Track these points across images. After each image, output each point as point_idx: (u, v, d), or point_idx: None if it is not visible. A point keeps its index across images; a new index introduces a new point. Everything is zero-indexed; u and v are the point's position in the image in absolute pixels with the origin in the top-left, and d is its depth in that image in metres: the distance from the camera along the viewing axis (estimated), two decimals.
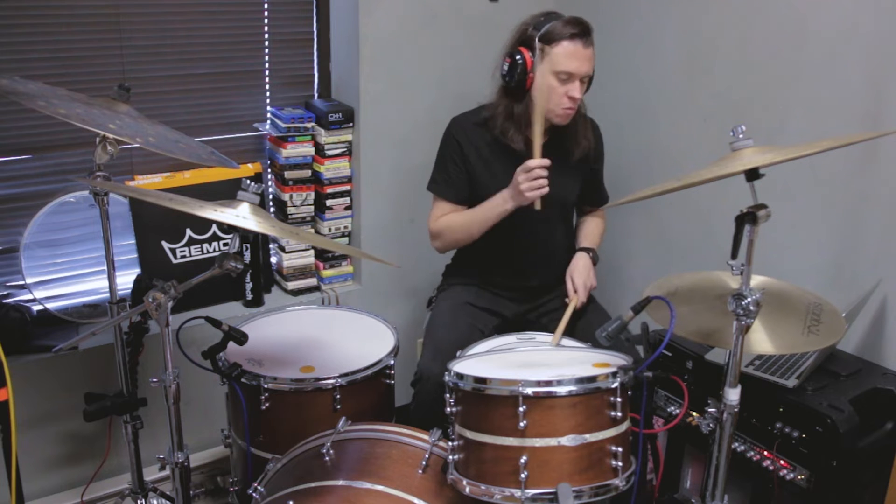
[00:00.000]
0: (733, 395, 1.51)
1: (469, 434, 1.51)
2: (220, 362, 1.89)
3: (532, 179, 1.99)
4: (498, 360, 1.77)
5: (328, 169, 2.58)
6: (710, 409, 1.54)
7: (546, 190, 2.00)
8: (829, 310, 1.64)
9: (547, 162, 2.00)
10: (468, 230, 2.18)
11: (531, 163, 1.99)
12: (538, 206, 2.03)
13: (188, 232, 2.43)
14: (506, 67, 2.09)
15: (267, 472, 1.74)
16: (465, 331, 2.13)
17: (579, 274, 2.16)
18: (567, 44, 2.02)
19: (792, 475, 1.78)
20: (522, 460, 1.43)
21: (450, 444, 1.56)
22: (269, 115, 2.59)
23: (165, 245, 2.40)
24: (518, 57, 2.05)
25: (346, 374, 1.88)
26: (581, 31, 2.03)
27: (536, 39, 2.04)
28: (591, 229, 2.36)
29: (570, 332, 2.09)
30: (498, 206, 2.09)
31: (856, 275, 2.04)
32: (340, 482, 1.55)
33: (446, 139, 2.23)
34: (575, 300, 2.12)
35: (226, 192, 2.37)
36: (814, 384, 1.83)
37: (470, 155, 2.19)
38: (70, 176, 2.26)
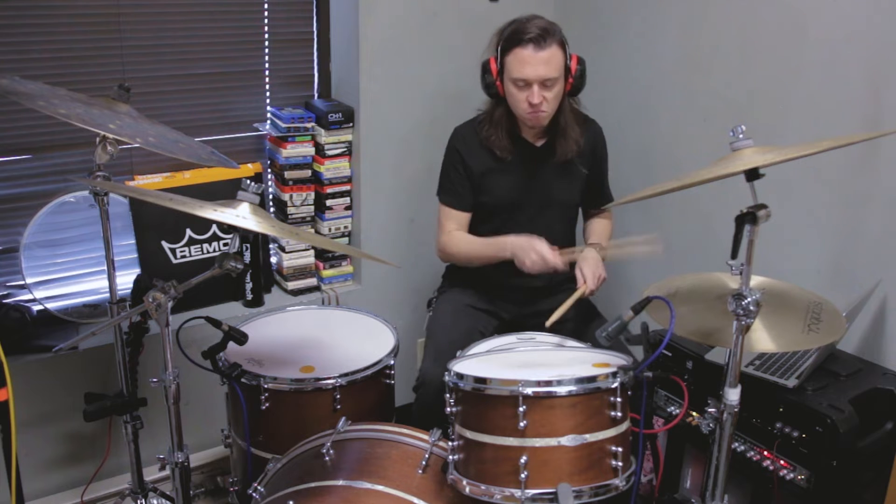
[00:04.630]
0: (733, 395, 1.51)
1: (469, 434, 1.51)
2: (220, 362, 1.89)
3: (539, 262, 2.01)
4: (498, 360, 1.77)
5: (328, 169, 2.58)
6: (710, 409, 1.54)
7: (538, 271, 2.03)
8: (830, 309, 1.64)
9: (562, 268, 2.04)
10: (468, 258, 2.23)
11: (552, 261, 2.00)
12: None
13: (188, 232, 2.43)
14: (480, 77, 2.13)
15: (267, 472, 1.74)
16: (466, 333, 2.14)
17: (588, 265, 2.14)
18: (518, 50, 2.02)
19: (792, 475, 1.78)
20: (522, 460, 1.43)
21: (450, 444, 1.56)
22: (269, 115, 2.59)
23: (165, 245, 2.40)
24: (488, 66, 2.10)
25: (346, 374, 1.88)
26: (535, 35, 2.00)
27: (499, 48, 2.06)
28: (598, 229, 2.36)
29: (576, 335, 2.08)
30: (499, 250, 2.12)
31: (856, 275, 2.04)
32: (340, 482, 1.55)
33: (448, 149, 2.25)
34: (584, 288, 2.11)
35: (226, 192, 2.37)
36: (814, 384, 1.83)
37: (471, 163, 2.20)
38: (70, 176, 2.26)
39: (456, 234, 2.23)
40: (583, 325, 2.19)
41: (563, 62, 2.06)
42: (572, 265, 2.14)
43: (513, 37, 2.03)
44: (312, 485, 1.57)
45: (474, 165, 2.20)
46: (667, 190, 1.54)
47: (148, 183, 2.35)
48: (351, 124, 2.57)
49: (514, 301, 2.29)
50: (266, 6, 2.49)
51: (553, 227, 2.24)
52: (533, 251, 2.02)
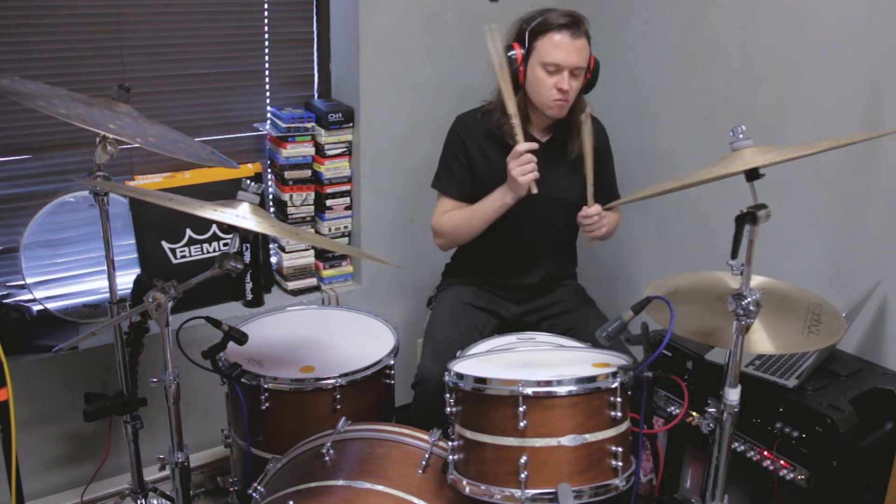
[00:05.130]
0: (733, 395, 1.51)
1: (469, 434, 1.51)
2: (220, 362, 1.89)
3: (521, 164, 1.99)
4: (498, 360, 1.77)
5: (328, 169, 2.58)
6: (710, 409, 1.54)
7: (536, 173, 2.00)
8: (829, 310, 1.64)
9: (534, 145, 2.01)
10: (469, 225, 2.17)
11: (518, 147, 2.00)
12: (535, 190, 2.03)
13: (188, 232, 2.43)
14: None
15: (267, 472, 1.74)
16: (465, 331, 2.14)
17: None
18: (553, 35, 2.03)
19: (792, 475, 1.78)
20: (522, 460, 1.43)
21: (450, 444, 1.56)
22: (269, 115, 2.59)
23: (165, 245, 2.40)
24: (510, 52, 2.08)
25: (346, 374, 1.88)
26: (569, 22, 2.02)
27: (527, 33, 2.06)
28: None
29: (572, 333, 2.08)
30: (497, 199, 2.09)
31: (856, 275, 2.04)
32: (340, 482, 1.55)
33: (450, 137, 2.24)
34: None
35: (226, 192, 2.36)
36: (814, 384, 1.83)
37: (473, 152, 2.19)
38: (70, 176, 2.26)
39: (445, 213, 2.22)
40: (582, 324, 2.18)
41: (589, 55, 2.08)
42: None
43: (546, 22, 2.03)
44: (312, 485, 1.57)
45: (477, 156, 2.19)
46: (667, 190, 1.54)
47: (148, 183, 2.35)
48: (351, 124, 2.57)
49: (513, 300, 2.29)
50: (266, 6, 2.49)
51: (555, 224, 2.24)
52: (513, 167, 1.99)
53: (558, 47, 2.02)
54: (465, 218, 2.18)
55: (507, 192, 2.07)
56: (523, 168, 2.00)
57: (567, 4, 2.73)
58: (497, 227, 2.16)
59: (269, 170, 2.65)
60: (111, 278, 1.91)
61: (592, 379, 1.46)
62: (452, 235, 2.23)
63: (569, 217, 2.30)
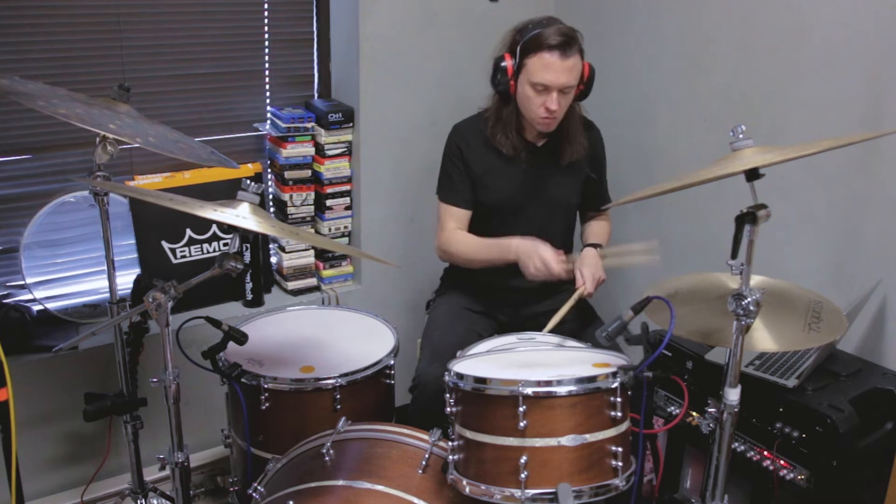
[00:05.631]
0: (733, 395, 1.51)
1: (469, 434, 1.51)
2: (220, 362, 1.89)
3: (544, 273, 2.01)
4: (498, 360, 1.77)
5: (328, 169, 2.58)
6: (710, 409, 1.54)
7: (543, 277, 2.03)
8: (830, 307, 1.64)
9: (564, 277, 2.04)
10: (469, 259, 2.21)
11: (556, 270, 2.01)
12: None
13: (188, 232, 2.43)
14: (491, 72, 2.11)
15: (267, 472, 1.74)
16: (463, 335, 2.14)
17: (588, 266, 2.14)
18: (544, 55, 2.00)
19: (792, 475, 1.78)
20: (522, 460, 1.43)
21: (450, 444, 1.56)
22: (269, 115, 2.59)
23: (165, 245, 2.40)
24: (502, 63, 2.07)
25: (346, 374, 1.88)
26: (561, 42, 1.99)
27: (519, 47, 2.04)
28: (597, 230, 2.36)
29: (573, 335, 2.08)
30: (503, 253, 2.10)
31: (856, 275, 2.04)
32: (340, 482, 1.55)
33: (448, 146, 2.24)
34: (582, 289, 2.10)
35: (226, 192, 2.37)
36: (814, 384, 1.83)
37: (471, 160, 2.19)
38: (70, 176, 2.26)
39: (457, 233, 2.22)
40: (581, 325, 2.18)
41: (581, 70, 2.06)
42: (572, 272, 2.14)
43: (538, 40, 2.00)
44: (312, 485, 1.57)
45: (474, 163, 2.19)
46: (667, 190, 1.54)
47: (148, 183, 2.35)
48: (351, 124, 2.57)
49: (511, 304, 2.28)
50: (266, 6, 2.49)
51: (552, 228, 2.24)
52: (537, 257, 2.01)
53: (548, 69, 2.00)
54: (467, 252, 2.20)
55: (513, 253, 2.07)
56: (540, 273, 2.01)
57: (566, 6, 2.75)
58: (494, 232, 2.16)
59: (269, 170, 2.65)
60: (111, 278, 1.91)
61: (592, 379, 1.46)
62: (452, 256, 2.26)
63: (565, 220, 2.31)
